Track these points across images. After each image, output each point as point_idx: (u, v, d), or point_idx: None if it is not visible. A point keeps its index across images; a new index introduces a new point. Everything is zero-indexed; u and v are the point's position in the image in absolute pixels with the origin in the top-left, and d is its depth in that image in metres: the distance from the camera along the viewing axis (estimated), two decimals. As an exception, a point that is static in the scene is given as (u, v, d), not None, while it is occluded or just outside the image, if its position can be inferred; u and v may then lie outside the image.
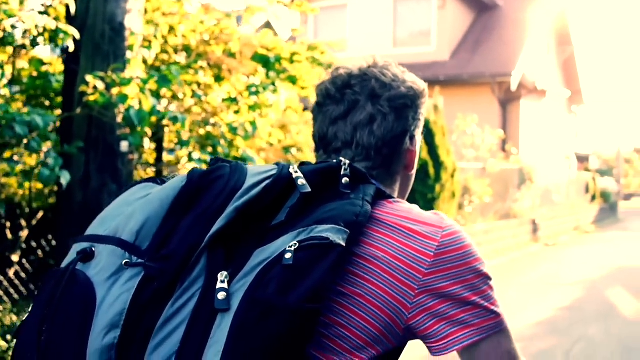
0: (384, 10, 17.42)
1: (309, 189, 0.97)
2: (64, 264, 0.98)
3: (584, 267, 10.65)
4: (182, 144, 4.03)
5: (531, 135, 17.00)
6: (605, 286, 8.93)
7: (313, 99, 1.25)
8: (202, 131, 4.23)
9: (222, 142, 4.27)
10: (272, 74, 4.85)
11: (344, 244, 0.90)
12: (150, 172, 4.87)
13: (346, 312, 0.94)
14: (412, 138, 1.20)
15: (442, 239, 1.00)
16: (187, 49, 4.33)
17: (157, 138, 4.67)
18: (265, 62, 4.55)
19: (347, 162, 1.03)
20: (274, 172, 0.99)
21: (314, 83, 5.75)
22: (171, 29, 4.14)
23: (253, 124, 4.29)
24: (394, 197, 1.08)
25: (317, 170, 1.01)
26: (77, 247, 0.98)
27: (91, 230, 1.01)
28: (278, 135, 5.42)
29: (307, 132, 10.29)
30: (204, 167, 1.10)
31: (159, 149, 4.79)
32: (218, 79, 4.45)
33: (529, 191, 13.96)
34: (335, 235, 0.90)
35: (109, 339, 0.86)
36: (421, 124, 1.23)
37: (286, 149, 10.47)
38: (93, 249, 0.95)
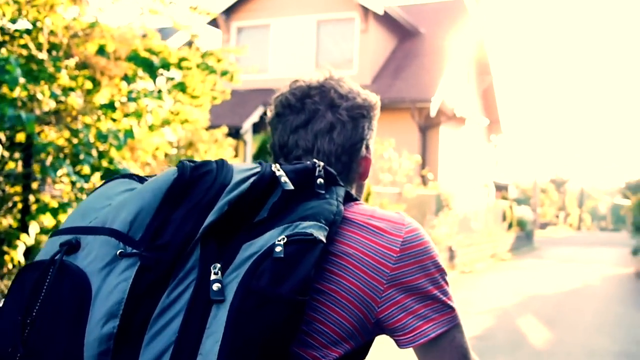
0: (307, 32, 17.23)
1: (292, 187, 1.01)
2: (42, 257, 0.98)
3: (497, 295, 10.56)
4: (39, 150, 3.48)
5: (450, 161, 17.08)
6: (517, 314, 8.82)
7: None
8: (61, 140, 3.69)
9: (94, 152, 3.76)
10: (159, 80, 4.40)
11: (325, 240, 0.96)
12: (18, 186, 4.28)
13: (323, 308, 0.99)
14: (368, 147, 1.27)
15: (405, 234, 1.06)
16: (54, 46, 3.81)
17: (26, 145, 4.10)
18: (148, 66, 4.10)
19: (322, 163, 1.08)
20: (258, 169, 1.03)
21: (208, 93, 5.40)
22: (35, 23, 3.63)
23: (128, 132, 3.80)
24: (358, 199, 1.14)
25: (296, 170, 1.05)
26: (57, 240, 0.98)
27: (70, 222, 1.02)
28: (166, 148, 4.93)
29: (216, 152, 9.82)
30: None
31: (27, 159, 4.21)
32: (93, 81, 3.96)
33: (446, 218, 13.90)
34: (317, 231, 0.95)
35: (107, 328, 0.87)
36: (374, 135, 1.28)
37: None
38: (79, 240, 0.95)
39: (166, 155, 5.37)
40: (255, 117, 16.47)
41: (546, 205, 44.27)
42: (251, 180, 1.00)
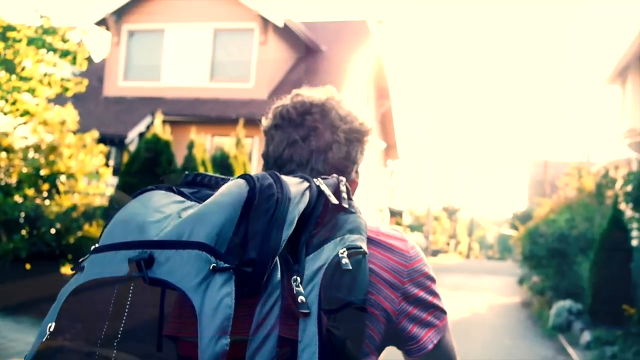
0: (203, 40, 16.37)
1: (336, 201, 1.07)
2: (97, 275, 0.95)
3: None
4: None
5: (345, 183, 16.66)
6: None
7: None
8: None
9: None
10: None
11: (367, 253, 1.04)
12: None
13: None
14: (357, 171, 1.34)
15: (410, 250, 1.18)
16: None
17: None
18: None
19: (344, 178, 1.14)
20: (307, 183, 1.06)
21: (45, 72, 4.50)
22: None
23: None
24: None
25: (328, 184, 1.10)
26: (114, 256, 0.95)
27: (122, 237, 0.97)
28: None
29: (83, 158, 8.76)
30: None
31: None
32: None
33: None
34: (363, 244, 1.03)
35: (220, 346, 0.86)
36: (362, 160, 1.33)
37: (53, 176, 8.84)
38: (152, 254, 0.91)
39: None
40: (142, 127, 15.36)
41: (438, 232, 45.08)
42: (307, 194, 1.04)
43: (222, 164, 9.88)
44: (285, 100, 1.30)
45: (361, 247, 1.01)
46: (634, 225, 9.90)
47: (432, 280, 1.19)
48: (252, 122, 13.17)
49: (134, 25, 17.05)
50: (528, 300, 15.19)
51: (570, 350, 8.66)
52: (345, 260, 0.97)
